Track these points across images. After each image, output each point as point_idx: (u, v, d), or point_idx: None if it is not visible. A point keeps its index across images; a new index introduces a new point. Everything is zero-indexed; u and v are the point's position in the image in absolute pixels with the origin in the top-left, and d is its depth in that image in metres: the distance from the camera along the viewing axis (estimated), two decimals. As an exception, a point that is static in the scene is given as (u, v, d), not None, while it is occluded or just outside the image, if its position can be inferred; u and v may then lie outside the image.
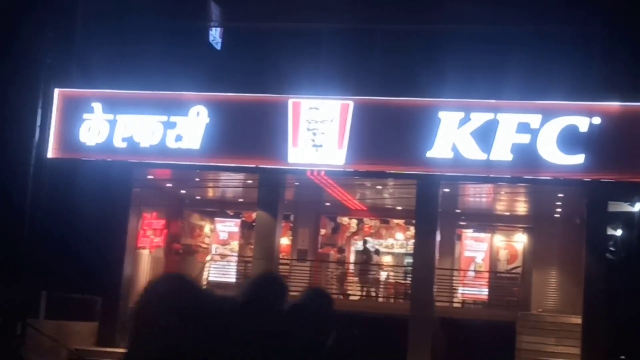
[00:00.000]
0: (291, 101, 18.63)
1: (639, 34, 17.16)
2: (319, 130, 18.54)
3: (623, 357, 17.65)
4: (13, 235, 18.34)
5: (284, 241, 23.64)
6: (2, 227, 18.15)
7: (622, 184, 17.47)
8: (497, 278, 23.38)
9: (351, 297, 22.50)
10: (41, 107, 18.98)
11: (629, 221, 18.46)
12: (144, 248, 22.11)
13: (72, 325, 18.91)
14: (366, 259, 23.14)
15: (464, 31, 19.19)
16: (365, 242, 24.22)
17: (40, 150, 18.90)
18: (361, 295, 22.46)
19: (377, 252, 24.02)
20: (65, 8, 19.80)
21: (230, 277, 23.38)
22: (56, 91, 19.28)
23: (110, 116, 19.14)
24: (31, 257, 18.13)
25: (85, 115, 19.17)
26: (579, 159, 17.35)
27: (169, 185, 22.95)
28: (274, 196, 20.11)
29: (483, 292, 22.87)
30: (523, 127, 17.59)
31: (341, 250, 24.23)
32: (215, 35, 21.87)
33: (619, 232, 19.10)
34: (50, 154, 19.12)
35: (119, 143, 19.02)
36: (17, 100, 19.02)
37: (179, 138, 19.00)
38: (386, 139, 18.30)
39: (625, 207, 18.53)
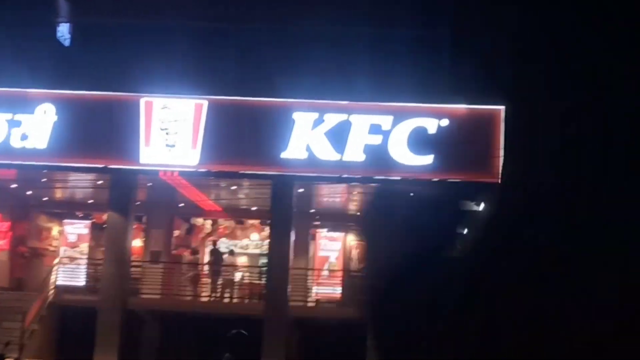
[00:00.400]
0: (143, 100, 18.31)
1: (483, 39, 17.84)
2: (172, 130, 18.29)
3: None
4: None
5: (137, 243, 23.14)
6: None
7: (468, 183, 18.15)
8: (350, 277, 23.70)
9: (203, 299, 22.20)
10: None
11: (475, 219, 19.12)
12: (-14, 252, 21.12)
13: None
14: (215, 260, 22.91)
15: (317, 32, 19.41)
16: (214, 242, 23.98)
17: None
18: (215, 297, 22.22)
19: (231, 252, 23.85)
20: None
21: (80, 280, 22.67)
22: None
23: (-50, 113, 18.24)
24: None
25: None
26: (427, 159, 17.97)
27: (14, 185, 22.00)
28: (125, 197, 19.66)
29: (337, 291, 23.12)
30: (375, 129, 18.06)
31: (195, 252, 23.90)
32: (63, 31, 21.16)
33: (465, 230, 19.74)
34: None
35: (-42, 142, 18.15)
36: None
37: (24, 137, 18.39)
38: (241, 139, 18.29)
39: (472, 206, 19.22)
